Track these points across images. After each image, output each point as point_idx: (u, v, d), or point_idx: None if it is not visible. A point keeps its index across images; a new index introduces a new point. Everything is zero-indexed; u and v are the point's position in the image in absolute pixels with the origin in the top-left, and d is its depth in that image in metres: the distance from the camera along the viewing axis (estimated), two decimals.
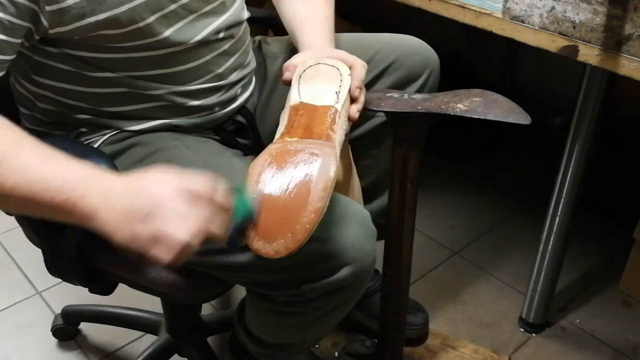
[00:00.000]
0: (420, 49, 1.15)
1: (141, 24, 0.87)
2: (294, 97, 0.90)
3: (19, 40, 0.80)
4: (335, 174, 0.77)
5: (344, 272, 0.86)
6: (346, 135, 0.90)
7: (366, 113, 1.13)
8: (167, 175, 0.72)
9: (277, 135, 0.86)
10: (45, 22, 0.81)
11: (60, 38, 0.86)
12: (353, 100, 0.91)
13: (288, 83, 0.93)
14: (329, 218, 0.85)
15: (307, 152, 0.79)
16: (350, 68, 0.93)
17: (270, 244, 0.74)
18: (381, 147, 1.20)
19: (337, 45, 0.97)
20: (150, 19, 0.87)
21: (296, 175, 0.77)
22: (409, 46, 1.15)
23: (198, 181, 0.71)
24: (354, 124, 1.15)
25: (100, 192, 0.70)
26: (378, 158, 1.21)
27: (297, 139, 0.82)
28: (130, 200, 0.69)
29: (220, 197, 0.71)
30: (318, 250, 0.84)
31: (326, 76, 0.92)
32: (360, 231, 0.87)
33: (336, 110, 0.87)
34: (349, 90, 0.90)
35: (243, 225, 0.75)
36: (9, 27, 0.77)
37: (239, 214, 0.74)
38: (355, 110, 0.90)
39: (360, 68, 0.93)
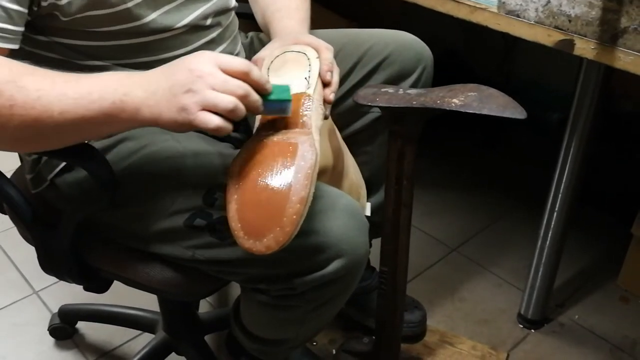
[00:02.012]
0: (413, 44, 1.15)
1: (129, 4, 0.86)
2: None
3: (26, 10, 0.80)
4: (316, 160, 0.77)
5: (335, 264, 0.86)
6: (327, 118, 0.89)
7: (360, 109, 1.13)
8: (204, 53, 0.76)
9: (254, 131, 0.85)
10: None
11: (48, 25, 0.86)
12: (326, 84, 0.90)
13: None
14: (318, 210, 0.85)
15: (284, 143, 0.79)
16: (317, 53, 0.92)
17: (261, 241, 0.74)
18: (375, 143, 1.19)
19: (330, 41, 0.96)
20: (139, 0, 0.87)
21: (276, 168, 0.76)
22: (403, 42, 1.14)
23: (234, 59, 0.76)
24: (348, 120, 1.15)
25: (140, 85, 0.75)
26: (372, 154, 1.20)
27: (272, 131, 0.82)
28: (172, 79, 0.74)
29: (256, 74, 0.76)
30: (308, 243, 0.84)
31: (294, 63, 0.91)
32: (351, 223, 0.87)
33: (308, 96, 0.86)
34: (319, 75, 0.89)
35: (280, 106, 0.80)
36: None
37: (277, 95, 0.80)
38: (329, 92, 0.90)
39: (326, 51, 0.92)
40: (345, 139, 1.08)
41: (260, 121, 0.85)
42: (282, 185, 0.75)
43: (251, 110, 0.76)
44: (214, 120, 0.72)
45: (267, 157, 0.78)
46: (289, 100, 0.81)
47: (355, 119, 1.15)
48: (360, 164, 1.15)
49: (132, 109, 0.75)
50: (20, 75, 0.74)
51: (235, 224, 0.76)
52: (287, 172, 0.76)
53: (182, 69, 0.75)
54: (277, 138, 0.80)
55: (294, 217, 0.73)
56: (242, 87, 0.74)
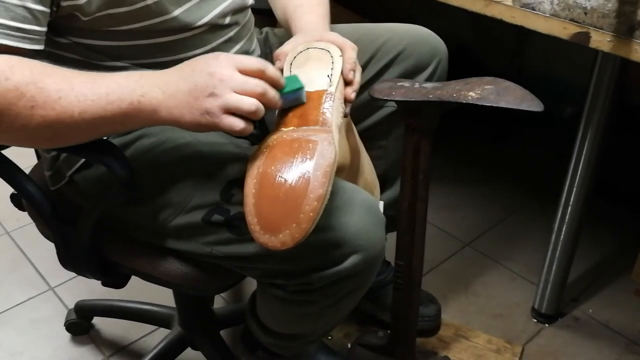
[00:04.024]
0: (428, 38, 1.15)
1: (149, 1, 0.87)
2: None
3: (49, 10, 0.81)
4: (335, 158, 0.77)
5: (352, 260, 0.86)
6: (346, 116, 0.90)
7: (376, 103, 1.13)
8: (219, 56, 0.78)
9: (274, 126, 0.86)
10: None
11: (67, 25, 0.87)
12: (347, 83, 0.90)
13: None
14: (336, 206, 0.85)
15: (303, 139, 0.79)
16: (340, 51, 0.92)
17: (276, 236, 0.74)
18: (390, 137, 1.19)
19: (344, 36, 0.97)
20: None
21: (295, 164, 0.77)
22: (417, 35, 1.15)
23: (249, 59, 0.78)
24: (363, 114, 1.15)
25: (158, 86, 0.77)
26: (387, 149, 1.20)
27: (292, 127, 0.82)
28: (192, 81, 0.76)
29: (271, 71, 0.79)
30: (325, 239, 0.84)
31: (317, 60, 0.91)
32: (368, 218, 0.87)
33: (330, 93, 0.86)
34: (342, 73, 0.89)
35: (295, 96, 0.83)
36: None
37: (290, 86, 0.82)
38: (350, 91, 0.90)
39: (350, 50, 0.92)
40: (360, 133, 1.08)
41: (280, 117, 0.85)
42: (300, 182, 0.75)
43: (270, 106, 0.78)
44: (239, 124, 0.75)
45: (287, 154, 0.78)
46: (302, 88, 0.83)
47: (370, 114, 1.16)
48: (375, 159, 1.15)
49: (149, 110, 0.76)
50: (41, 76, 0.75)
51: (251, 218, 0.76)
52: (305, 169, 0.76)
53: (202, 72, 0.76)
54: (297, 135, 0.80)
55: (311, 214, 0.74)
56: (261, 86, 0.77)
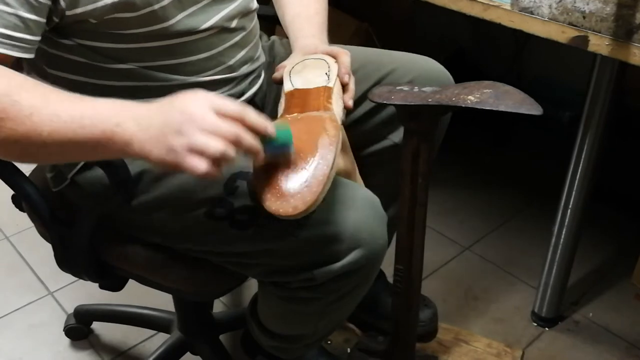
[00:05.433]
0: (437, 72, 1.12)
1: (156, 7, 0.87)
2: (287, 87, 0.94)
3: (44, 20, 0.81)
4: (339, 132, 0.79)
5: (355, 254, 0.87)
6: (342, 124, 0.92)
7: (380, 133, 1.13)
8: (198, 95, 0.75)
9: (278, 116, 0.89)
10: (62, 2, 0.82)
11: (73, 28, 0.87)
12: (344, 88, 0.94)
13: (279, 81, 0.98)
14: (338, 201, 0.86)
15: (308, 118, 0.83)
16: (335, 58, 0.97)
17: (288, 202, 0.75)
18: (389, 168, 1.15)
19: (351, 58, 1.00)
20: (165, 2, 0.88)
21: (302, 135, 0.79)
22: (426, 70, 1.12)
23: (230, 103, 0.74)
24: (365, 142, 1.14)
25: (134, 118, 0.74)
26: (384, 178, 1.17)
27: (296, 114, 0.85)
28: (165, 117, 0.73)
29: (250, 117, 0.74)
30: (328, 233, 0.85)
31: (314, 66, 0.96)
32: (371, 214, 0.88)
33: (329, 87, 0.89)
34: (338, 77, 0.94)
35: (282, 148, 0.78)
36: (36, 5, 0.78)
37: (278, 136, 0.77)
38: (347, 98, 0.93)
39: (344, 55, 0.95)
40: (361, 159, 1.08)
41: (284, 110, 0.89)
42: (308, 149, 0.78)
43: (249, 154, 0.75)
44: (201, 167, 0.70)
45: (294, 128, 0.80)
46: (290, 144, 0.78)
47: (371, 143, 1.14)
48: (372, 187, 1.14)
49: (122, 141, 0.73)
50: (18, 89, 0.74)
51: (260, 188, 0.78)
52: (313, 139, 0.79)
53: (176, 109, 0.73)
54: (301, 117, 0.84)
55: (321, 178, 0.75)
56: (234, 131, 0.72)
